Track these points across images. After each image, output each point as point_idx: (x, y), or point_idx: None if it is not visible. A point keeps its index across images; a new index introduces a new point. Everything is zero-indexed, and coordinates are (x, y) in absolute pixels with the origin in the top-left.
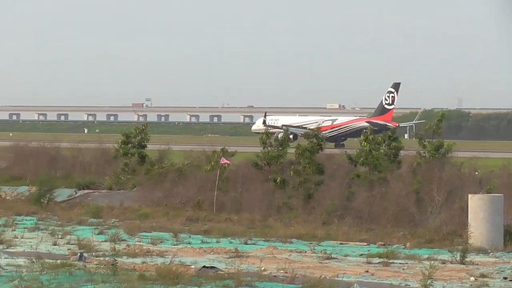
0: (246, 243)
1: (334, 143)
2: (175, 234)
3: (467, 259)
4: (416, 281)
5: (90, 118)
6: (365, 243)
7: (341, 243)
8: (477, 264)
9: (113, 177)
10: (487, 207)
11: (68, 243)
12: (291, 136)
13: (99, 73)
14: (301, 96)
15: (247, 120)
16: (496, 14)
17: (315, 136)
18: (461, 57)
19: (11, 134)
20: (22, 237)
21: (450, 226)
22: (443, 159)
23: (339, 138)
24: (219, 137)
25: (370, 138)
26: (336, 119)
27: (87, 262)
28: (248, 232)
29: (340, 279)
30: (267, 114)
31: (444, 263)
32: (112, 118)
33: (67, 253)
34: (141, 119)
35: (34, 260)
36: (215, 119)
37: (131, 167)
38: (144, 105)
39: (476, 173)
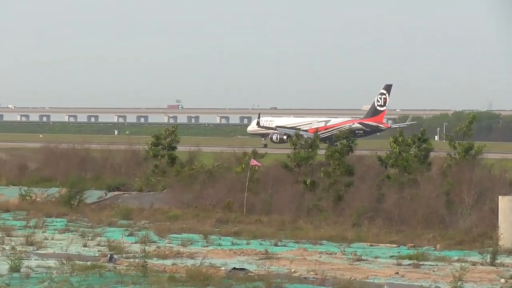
0: (276, 245)
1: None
2: (205, 235)
3: (498, 261)
4: (446, 283)
5: (120, 120)
6: (395, 245)
7: (371, 245)
8: (508, 266)
9: (143, 179)
10: None
11: (98, 244)
12: (285, 137)
13: (129, 75)
14: (330, 96)
15: None
16: None
17: (346, 138)
18: (491, 59)
19: (41, 136)
20: (52, 239)
21: (480, 228)
22: (473, 160)
23: (332, 138)
24: (249, 139)
25: (400, 139)
26: (330, 120)
27: (117, 264)
28: (278, 233)
29: (371, 281)
30: (260, 115)
31: (474, 265)
32: (142, 120)
33: (97, 255)
34: (171, 120)
35: (64, 261)
36: (245, 121)
37: (161, 169)
38: (179, 106)
39: (506, 174)
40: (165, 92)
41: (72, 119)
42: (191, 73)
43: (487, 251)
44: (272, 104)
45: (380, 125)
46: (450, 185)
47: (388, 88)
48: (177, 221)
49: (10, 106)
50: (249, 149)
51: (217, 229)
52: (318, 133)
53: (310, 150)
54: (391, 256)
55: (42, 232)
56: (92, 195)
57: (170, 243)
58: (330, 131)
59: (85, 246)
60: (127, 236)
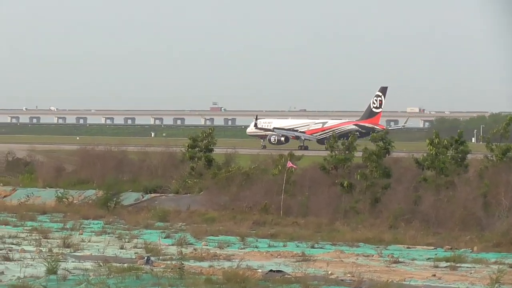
0: (313, 247)
1: (325, 145)
2: (242, 238)
3: None
4: (483, 285)
5: (157, 122)
6: (432, 247)
7: (408, 247)
8: None
9: (180, 181)
10: None
11: (135, 246)
12: (282, 139)
13: (166, 77)
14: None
15: None
16: None
17: (382, 140)
18: None
19: (78, 138)
20: (89, 241)
21: None
22: (510, 163)
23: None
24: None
25: (436, 141)
26: (326, 122)
27: (154, 266)
28: (315, 236)
29: (407, 283)
30: (258, 117)
31: (511, 267)
32: (179, 122)
33: (134, 257)
34: (208, 122)
35: (101, 263)
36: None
37: (198, 171)
38: (222, 108)
39: None
40: (201, 94)
41: (109, 121)
42: (228, 75)
43: None
44: (302, 106)
45: (375, 127)
46: (487, 187)
47: (383, 90)
48: (214, 223)
49: (52, 108)
50: (285, 151)
51: (254, 231)
52: (315, 134)
53: (347, 152)
54: (428, 258)
55: (79, 234)
56: (129, 197)
57: (207, 245)
58: (326, 132)
59: (122, 248)
60: (164, 238)
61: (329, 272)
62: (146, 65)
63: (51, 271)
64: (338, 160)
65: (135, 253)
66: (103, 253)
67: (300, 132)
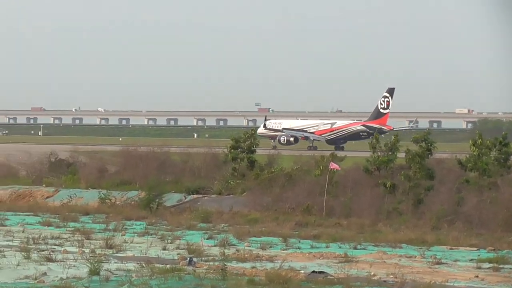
0: (355, 248)
1: (334, 146)
2: (285, 239)
3: None
4: None
5: (200, 123)
6: (475, 248)
7: (451, 248)
8: None
9: (222, 182)
10: None
11: (177, 248)
12: (292, 139)
13: (208, 78)
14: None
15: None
16: None
17: (424, 141)
18: None
19: (120, 139)
20: (131, 242)
21: None
22: None
23: (338, 141)
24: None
25: (479, 142)
26: (335, 122)
27: (197, 267)
28: (357, 237)
29: (450, 284)
30: (267, 118)
31: None
32: (221, 123)
33: (176, 258)
34: (251, 123)
35: (143, 264)
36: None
37: (241, 172)
38: (270, 110)
39: None
40: (244, 95)
41: (151, 122)
42: (271, 76)
43: None
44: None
45: (383, 128)
46: None
47: (391, 91)
48: (256, 224)
49: (99, 109)
50: (327, 152)
51: (297, 232)
52: (324, 135)
53: (390, 153)
54: (471, 260)
55: (122, 235)
56: (172, 198)
57: (250, 246)
58: (335, 133)
59: (164, 249)
60: (207, 239)
61: (372, 273)
62: (189, 66)
63: (94, 272)
64: (381, 161)
65: (177, 254)
66: (145, 254)
67: (309, 132)
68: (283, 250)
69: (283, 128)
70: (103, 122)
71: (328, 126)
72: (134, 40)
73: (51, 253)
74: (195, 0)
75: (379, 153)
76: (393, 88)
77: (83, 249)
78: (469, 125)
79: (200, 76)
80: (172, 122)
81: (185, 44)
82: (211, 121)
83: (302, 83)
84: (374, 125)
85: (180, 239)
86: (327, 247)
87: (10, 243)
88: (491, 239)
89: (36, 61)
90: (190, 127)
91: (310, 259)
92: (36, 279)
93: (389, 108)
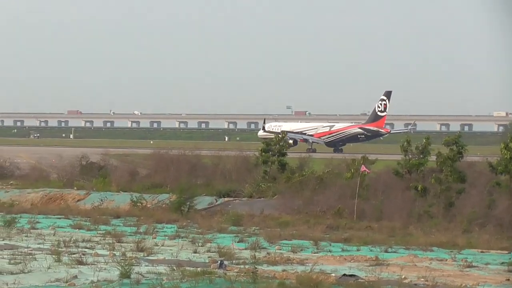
0: (386, 251)
1: (333, 148)
2: (316, 242)
3: None
4: None
5: (231, 126)
6: (506, 251)
7: (482, 251)
8: None
9: (253, 185)
10: None
11: (208, 250)
12: (291, 141)
13: (240, 81)
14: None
15: (388, 127)
16: None
17: (455, 144)
18: None
19: (152, 142)
20: (162, 245)
21: None
22: None
23: (337, 143)
24: (359, 145)
25: (511, 145)
26: (334, 125)
27: (228, 270)
28: (388, 240)
29: (481, 287)
30: (266, 121)
31: None
32: (252, 126)
33: (207, 261)
34: None
35: (174, 267)
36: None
37: (272, 175)
38: (307, 113)
39: None
40: (274, 98)
41: (182, 125)
42: (303, 79)
43: None
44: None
45: (380, 130)
46: None
47: (388, 94)
48: (287, 227)
49: (136, 112)
50: (358, 155)
51: (328, 235)
52: (323, 137)
53: (421, 156)
54: (502, 263)
55: (153, 238)
56: (203, 201)
57: (280, 249)
58: (334, 135)
59: (195, 252)
60: (237, 242)
61: (403, 277)
62: (219, 69)
63: (125, 275)
64: (412, 165)
65: (208, 257)
66: (176, 257)
67: (308, 135)
68: (314, 253)
69: (282, 131)
70: (134, 125)
71: (327, 129)
72: (166, 44)
73: (82, 256)
74: (231, 3)
75: (410, 156)
76: (390, 91)
77: (114, 252)
78: (501, 128)
79: (231, 79)
80: (203, 125)
81: (216, 48)
82: (242, 124)
83: (330, 85)
84: (371, 128)
85: (211, 242)
86: (358, 250)
87: (41, 246)
88: None
89: (68, 64)
90: (221, 130)
91: (341, 262)
92: (67, 282)
93: (386, 111)
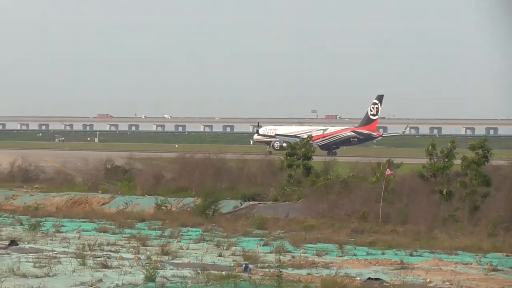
0: (411, 255)
1: (327, 151)
2: (341, 245)
3: None
4: None
5: (256, 130)
6: None
7: (507, 255)
8: None
9: (278, 189)
10: None
11: (233, 254)
12: (285, 145)
13: (264, 84)
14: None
15: (413, 131)
16: None
17: (481, 147)
18: None
19: (176, 146)
20: (187, 248)
21: None
22: None
23: (331, 146)
24: (385, 148)
25: None
26: (327, 128)
27: (252, 274)
28: (413, 244)
29: None
30: (260, 124)
31: None
32: None
33: (232, 265)
34: None
35: (199, 271)
36: (381, 130)
37: (296, 179)
38: (337, 117)
39: None
40: (299, 102)
41: (207, 129)
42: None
43: None
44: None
45: (372, 133)
46: None
47: (380, 98)
48: (312, 231)
49: (166, 116)
50: (383, 159)
51: (352, 239)
52: (317, 141)
53: (446, 160)
54: None
55: (177, 241)
56: (227, 205)
57: (305, 253)
58: (327, 139)
59: (220, 255)
60: (262, 246)
61: (428, 280)
62: (245, 73)
63: (149, 278)
64: (437, 168)
65: (233, 260)
66: (201, 261)
67: (302, 138)
68: (339, 256)
69: (276, 134)
70: (159, 129)
71: (321, 132)
72: (190, 47)
73: (107, 259)
74: (255, 4)
75: (435, 159)
76: (382, 95)
77: (138, 255)
78: None
79: (255, 82)
80: (228, 129)
81: (241, 51)
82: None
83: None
84: (364, 131)
85: (235, 246)
86: (383, 254)
87: (66, 249)
88: None
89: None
90: (246, 134)
91: (366, 266)
92: (91, 286)
93: (378, 114)
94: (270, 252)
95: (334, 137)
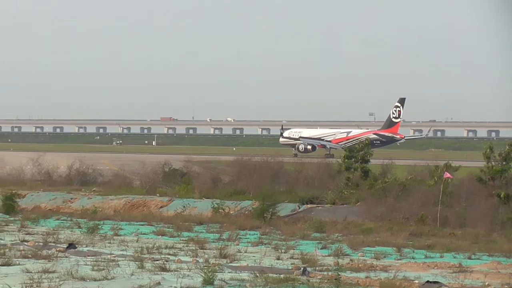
0: (470, 258)
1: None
2: (399, 248)
3: None
4: None
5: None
6: None
7: None
8: None
9: (336, 192)
10: None
11: (291, 257)
12: (309, 147)
13: (323, 86)
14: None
15: (471, 134)
16: None
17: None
18: None
19: (234, 149)
20: (245, 252)
21: None
22: None
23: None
24: (443, 152)
25: None
26: (351, 131)
27: (311, 277)
28: (472, 247)
29: None
30: (283, 127)
31: None
32: None
33: (290, 268)
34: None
35: (257, 274)
36: (438, 134)
37: (354, 182)
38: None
39: None
40: (355, 104)
41: (265, 132)
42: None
43: None
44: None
45: (395, 136)
46: None
47: (402, 101)
48: (370, 234)
49: (229, 119)
50: (441, 162)
51: (411, 242)
52: (341, 143)
53: (504, 163)
54: None
55: (235, 245)
56: (285, 208)
57: (363, 256)
58: (350, 141)
59: (278, 259)
60: (320, 249)
61: (486, 284)
62: (301, 76)
63: (208, 281)
64: (495, 171)
65: (291, 263)
66: (259, 264)
67: (326, 141)
68: (397, 260)
69: (300, 137)
70: (216, 132)
71: (344, 135)
72: (249, 50)
73: (165, 262)
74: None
75: (493, 163)
76: (404, 98)
77: (196, 258)
78: None
79: (312, 85)
80: None
81: (296, 53)
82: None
83: (412, 91)
84: (386, 134)
85: (294, 249)
86: (441, 257)
87: (124, 252)
88: None
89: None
90: None
91: (424, 269)
92: None
93: (400, 117)
94: (328, 255)
95: (357, 139)
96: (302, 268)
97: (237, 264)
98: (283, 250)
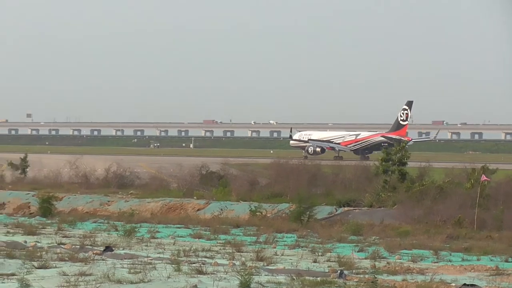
0: (507, 261)
1: (360, 156)
2: (436, 251)
3: None
4: None
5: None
6: None
7: None
8: None
9: (373, 195)
10: None
11: (328, 260)
12: (318, 149)
13: (356, 90)
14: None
15: (508, 137)
16: None
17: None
18: None
19: (271, 152)
20: (282, 254)
21: None
22: None
23: (363, 151)
24: (480, 154)
25: None
26: (359, 134)
27: (347, 280)
28: (509, 250)
29: None
30: (292, 130)
31: None
32: None
33: (327, 271)
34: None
35: (294, 277)
36: (476, 136)
37: (392, 185)
38: (444, 122)
39: None
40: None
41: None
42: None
43: None
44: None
45: (402, 138)
46: None
47: (409, 104)
48: (407, 237)
49: (271, 122)
50: (478, 165)
51: (448, 245)
52: (350, 145)
53: None
54: None
55: (272, 247)
56: (322, 211)
57: (400, 259)
58: (359, 144)
59: (315, 261)
60: (357, 251)
61: None
62: (342, 77)
63: (244, 284)
64: None
65: (328, 266)
66: (296, 267)
67: (335, 143)
68: (434, 262)
69: (309, 139)
70: (254, 134)
71: (353, 137)
72: (284, 50)
73: (202, 265)
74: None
75: None
76: (412, 101)
77: (233, 261)
78: None
79: (351, 86)
80: None
81: (338, 57)
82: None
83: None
84: (394, 136)
85: (330, 252)
86: (478, 260)
87: (161, 255)
88: None
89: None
90: None
91: (461, 272)
92: None
93: (408, 120)
94: (365, 258)
95: (365, 142)
96: (339, 271)
97: (273, 267)
98: (320, 253)
